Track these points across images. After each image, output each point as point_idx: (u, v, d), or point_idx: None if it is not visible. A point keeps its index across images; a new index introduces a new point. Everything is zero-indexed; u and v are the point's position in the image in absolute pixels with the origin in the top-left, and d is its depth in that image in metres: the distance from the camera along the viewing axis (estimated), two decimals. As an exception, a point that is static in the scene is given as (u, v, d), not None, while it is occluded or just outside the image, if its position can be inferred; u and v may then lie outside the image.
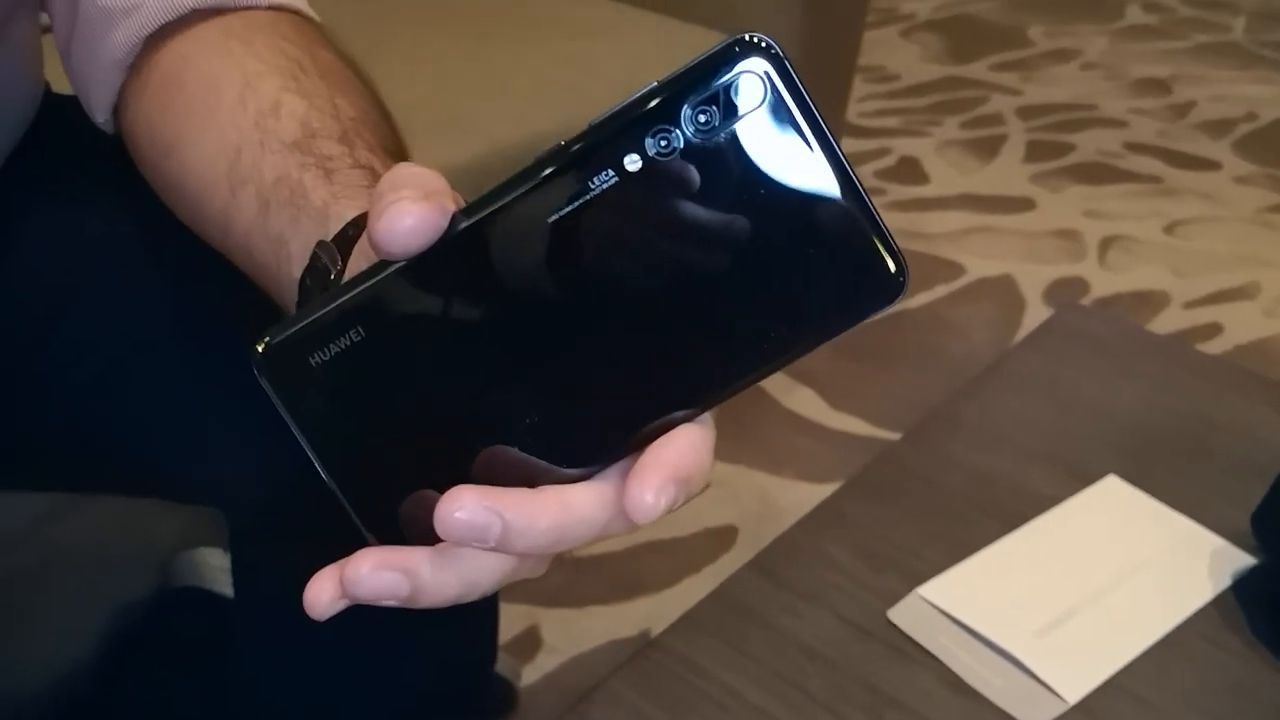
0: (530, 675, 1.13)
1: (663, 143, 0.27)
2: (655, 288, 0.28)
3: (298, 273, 0.38)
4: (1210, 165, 2.27)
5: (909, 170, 2.13)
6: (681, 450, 0.28)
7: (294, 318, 0.29)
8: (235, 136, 0.44)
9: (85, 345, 0.58)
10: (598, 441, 0.29)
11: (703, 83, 0.27)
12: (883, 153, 2.17)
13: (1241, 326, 1.75)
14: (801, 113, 0.27)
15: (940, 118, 2.37)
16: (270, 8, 0.52)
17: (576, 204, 0.27)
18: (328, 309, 0.29)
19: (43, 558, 0.85)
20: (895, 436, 1.45)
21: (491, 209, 0.28)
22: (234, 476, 0.56)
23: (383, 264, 0.29)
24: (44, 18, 0.59)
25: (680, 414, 0.29)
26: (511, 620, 1.15)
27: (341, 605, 0.30)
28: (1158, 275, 1.88)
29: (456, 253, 0.28)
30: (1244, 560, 0.64)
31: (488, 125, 1.12)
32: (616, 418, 0.29)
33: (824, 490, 1.29)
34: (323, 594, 0.30)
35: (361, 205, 0.39)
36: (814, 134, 0.27)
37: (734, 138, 0.27)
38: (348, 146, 0.42)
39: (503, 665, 0.95)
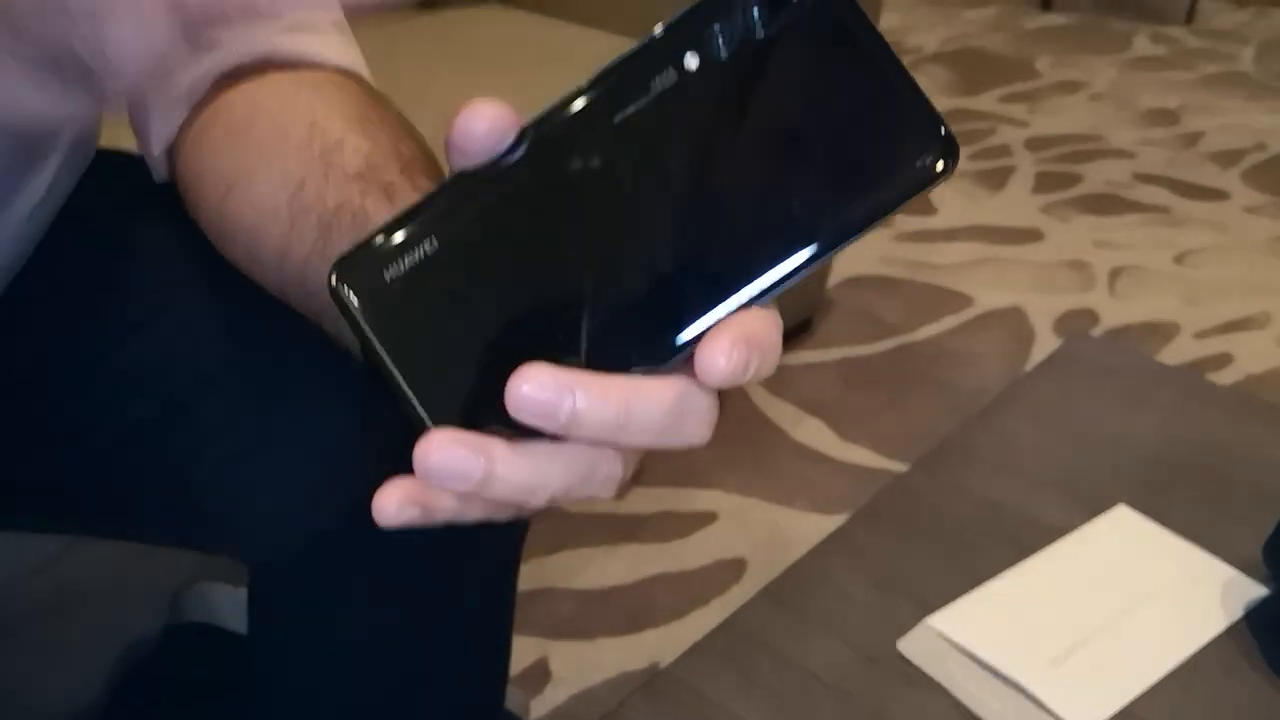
0: (539, 708, 1.13)
1: (720, 41, 0.29)
2: (721, 179, 0.29)
3: None
4: (1219, 195, 2.27)
5: (918, 201, 2.13)
6: (750, 319, 0.29)
7: (367, 238, 0.30)
8: (299, 169, 0.45)
9: (118, 393, 0.58)
10: (666, 338, 0.29)
11: None
12: (891, 184, 2.18)
13: (1253, 356, 1.75)
14: (844, 5, 0.29)
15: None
16: (337, 69, 0.53)
17: (640, 103, 0.29)
18: (400, 223, 0.30)
19: (55, 593, 0.85)
20: (904, 467, 1.45)
21: (558, 116, 0.29)
22: (262, 527, 0.56)
23: (452, 180, 0.30)
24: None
25: (747, 304, 0.29)
26: (521, 652, 1.15)
27: (410, 514, 0.29)
28: (1168, 305, 1.87)
29: (526, 158, 0.29)
30: (1256, 590, 0.63)
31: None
32: (684, 313, 0.29)
33: (834, 521, 1.28)
34: (390, 501, 0.29)
35: None
36: (856, 23, 0.29)
37: (782, 32, 0.29)
38: (408, 176, 0.43)
39: (511, 698, 0.95)
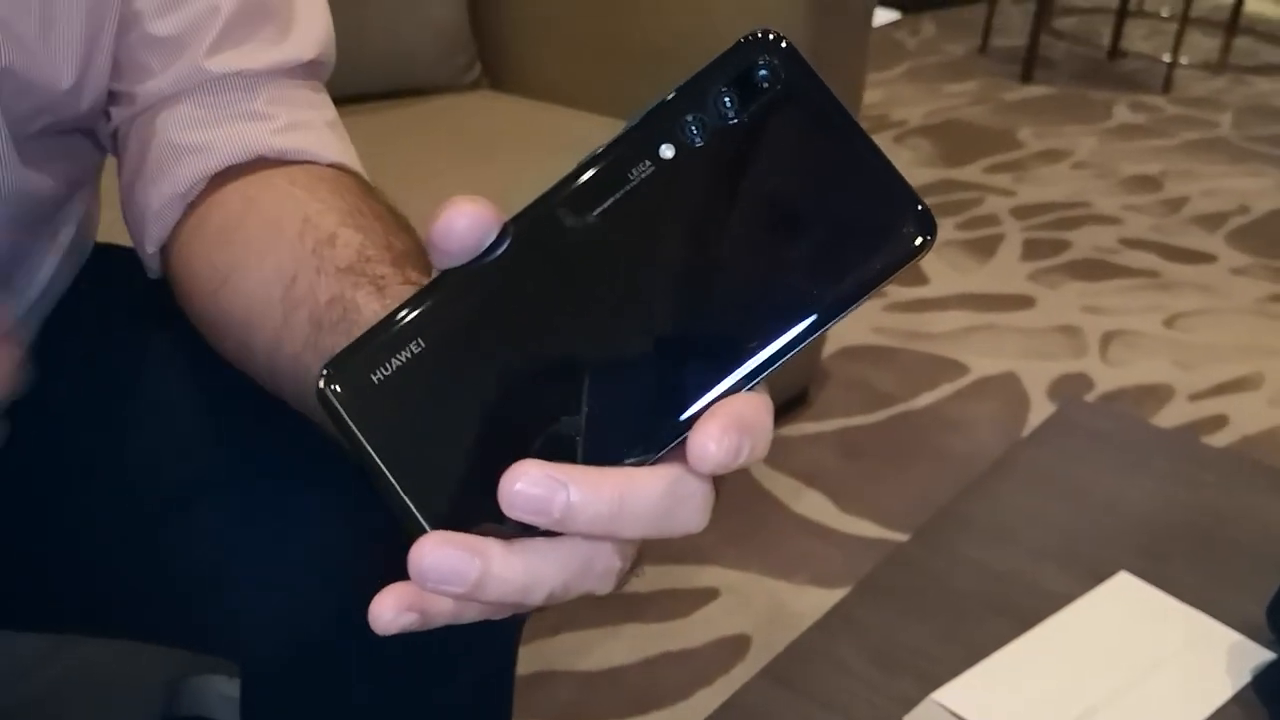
0: (544, 795, 1.11)
1: (693, 130, 0.29)
2: (701, 266, 0.30)
3: None
4: (1206, 258, 2.29)
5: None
6: (740, 403, 0.29)
7: (354, 342, 0.30)
8: (292, 265, 0.45)
9: (113, 497, 0.58)
10: (658, 427, 0.29)
11: (722, 73, 0.30)
12: (881, 255, 2.20)
13: (1248, 417, 1.75)
14: (815, 91, 0.30)
15: (937, 219, 2.40)
16: (330, 165, 0.54)
17: (618, 195, 0.29)
18: (386, 327, 0.30)
19: (51, 686, 0.84)
20: (905, 537, 1.44)
21: (538, 211, 0.30)
22: (254, 628, 0.56)
23: (436, 280, 0.30)
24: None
25: (734, 387, 0.30)
26: (524, 738, 1.13)
27: (406, 620, 0.29)
28: (1161, 369, 1.88)
29: (509, 255, 0.30)
30: (1262, 655, 0.63)
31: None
32: (673, 404, 0.29)
33: (836, 595, 1.27)
34: (386, 608, 0.29)
35: None
36: (827, 107, 0.30)
37: (756, 118, 0.30)
38: (399, 269, 0.43)
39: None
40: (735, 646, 1.28)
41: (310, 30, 0.56)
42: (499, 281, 0.30)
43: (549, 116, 1.47)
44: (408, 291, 0.42)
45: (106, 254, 0.67)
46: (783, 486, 1.53)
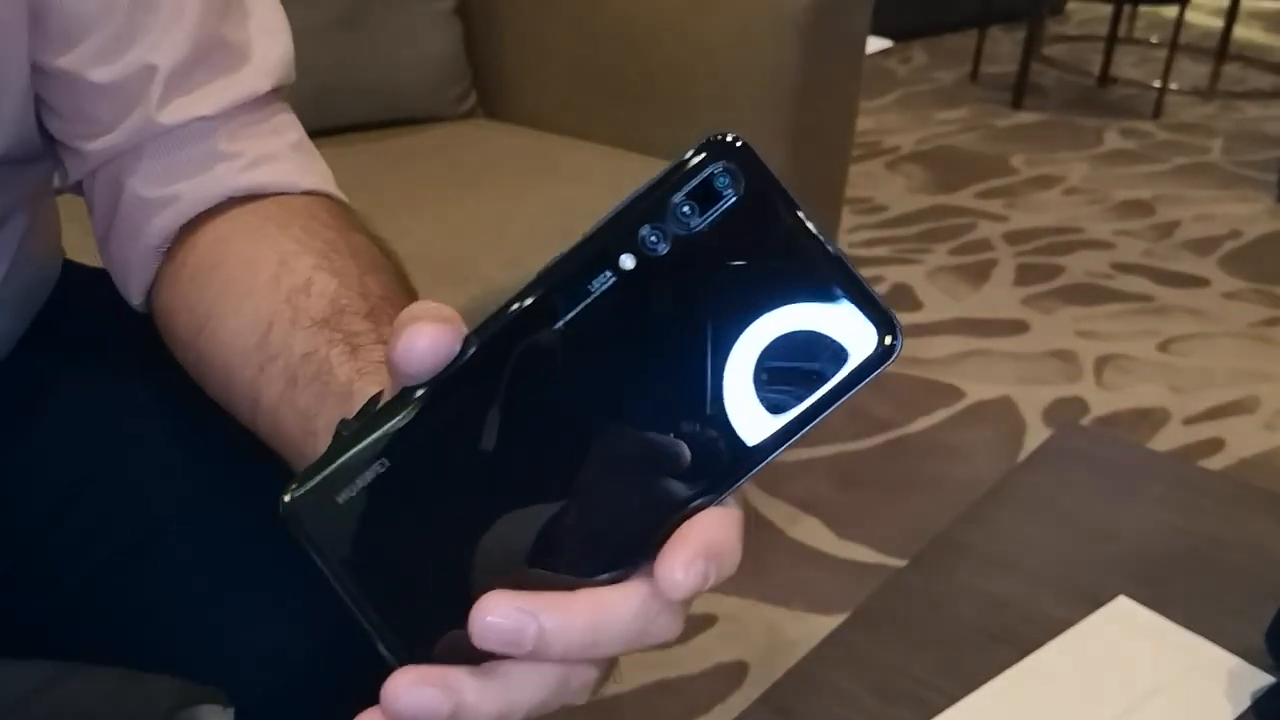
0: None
1: (653, 239, 0.29)
2: (664, 378, 0.29)
3: (322, 449, 0.38)
4: (1199, 282, 2.30)
5: (902, 297, 2.17)
6: (707, 526, 0.28)
7: (318, 461, 0.30)
8: (267, 312, 0.45)
9: (100, 524, 0.57)
10: (626, 544, 0.29)
11: (682, 180, 0.29)
12: (875, 281, 2.21)
13: (1243, 441, 1.75)
14: (775, 195, 0.29)
15: (930, 245, 2.41)
16: (304, 193, 0.53)
17: (580, 308, 0.29)
18: (350, 446, 0.29)
19: (44, 719, 0.83)
20: (902, 563, 1.44)
21: (500, 325, 0.29)
22: (242, 659, 0.56)
23: (399, 397, 0.30)
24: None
25: (703, 501, 0.29)
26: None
27: None
28: (1155, 393, 1.88)
29: (471, 372, 0.29)
30: (1261, 679, 0.63)
31: (484, 270, 1.14)
32: (642, 517, 0.29)
33: (834, 621, 1.27)
34: None
35: (383, 381, 0.40)
36: (788, 213, 0.29)
37: (718, 225, 0.29)
38: (373, 323, 0.43)
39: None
40: (732, 674, 1.27)
41: (266, 58, 0.55)
42: (461, 399, 0.29)
43: (544, 145, 1.47)
44: (379, 353, 0.42)
45: (84, 276, 0.67)
46: (779, 512, 1.53)
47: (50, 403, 0.61)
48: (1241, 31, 4.16)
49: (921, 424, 1.76)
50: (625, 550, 0.29)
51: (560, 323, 0.29)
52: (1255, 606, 0.65)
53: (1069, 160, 3.00)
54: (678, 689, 1.25)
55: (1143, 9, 4.09)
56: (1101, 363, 1.97)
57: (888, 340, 0.29)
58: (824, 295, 0.29)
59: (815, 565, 1.45)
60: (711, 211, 0.29)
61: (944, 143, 3.10)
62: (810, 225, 0.29)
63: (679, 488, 0.29)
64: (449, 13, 1.50)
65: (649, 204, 0.29)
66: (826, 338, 0.29)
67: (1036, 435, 1.74)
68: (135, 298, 0.55)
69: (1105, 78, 3.68)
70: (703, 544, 0.28)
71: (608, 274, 0.29)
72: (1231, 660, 0.64)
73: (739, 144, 0.29)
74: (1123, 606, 0.69)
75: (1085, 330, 2.08)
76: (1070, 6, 4.68)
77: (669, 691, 1.24)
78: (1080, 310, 2.16)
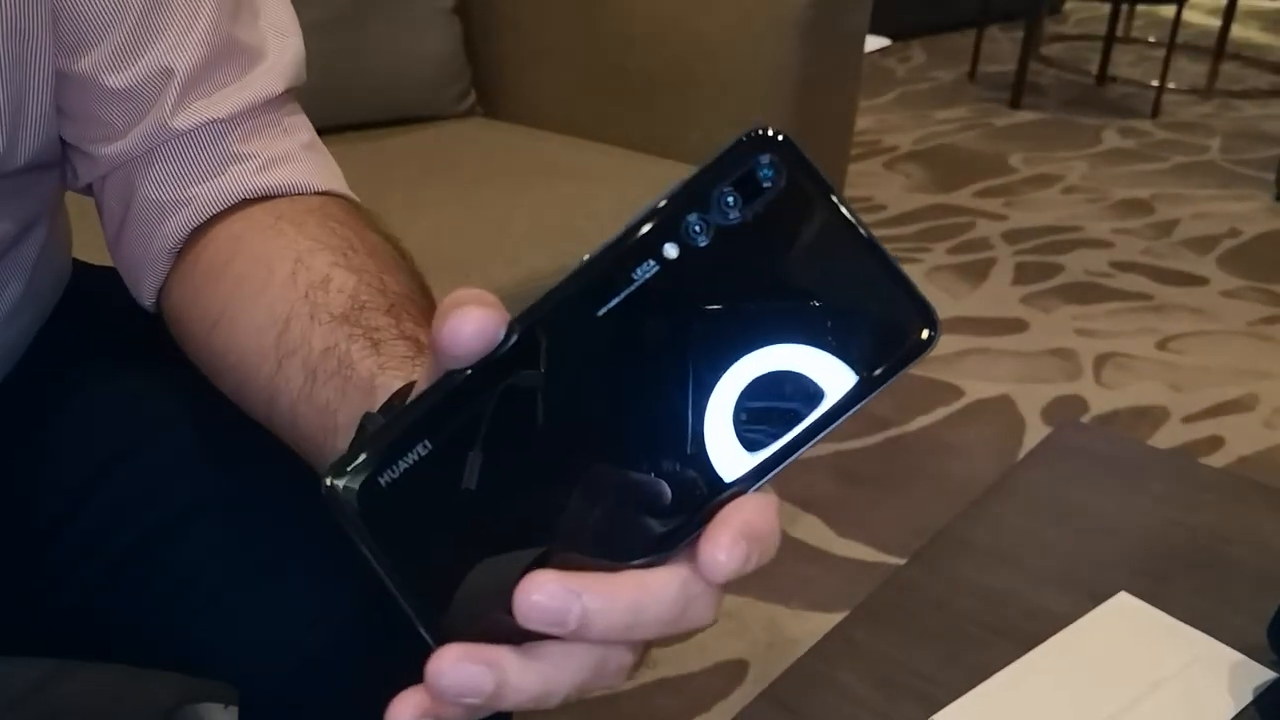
0: (542, 824, 1.10)
1: (696, 229, 0.29)
2: (706, 366, 0.29)
3: (343, 444, 0.38)
4: (1198, 281, 2.31)
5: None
6: (749, 510, 0.29)
7: (361, 442, 0.30)
8: (284, 308, 0.45)
9: (113, 518, 0.57)
10: (669, 527, 0.29)
11: (726, 172, 0.29)
12: (874, 280, 2.21)
13: (1243, 438, 1.76)
14: (816, 187, 0.30)
15: (929, 244, 2.41)
16: (317, 193, 0.53)
17: (623, 295, 0.29)
18: (393, 429, 0.30)
19: (45, 717, 0.83)
20: (902, 561, 1.44)
21: (545, 311, 0.30)
22: (253, 654, 0.56)
23: (443, 380, 0.30)
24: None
25: (742, 486, 0.29)
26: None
27: None
28: (1155, 391, 1.89)
29: (514, 357, 0.30)
30: (1263, 675, 0.63)
31: (486, 267, 1.14)
32: (681, 500, 0.29)
33: (833, 619, 1.27)
34: (404, 713, 0.29)
35: (406, 376, 0.40)
36: (829, 204, 0.30)
37: (760, 217, 0.29)
38: (394, 319, 0.43)
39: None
40: (733, 671, 1.27)
41: (279, 59, 0.55)
42: (505, 383, 0.30)
43: (543, 144, 1.47)
44: (402, 348, 0.42)
45: (93, 275, 0.67)
46: (779, 510, 1.53)
47: (64, 400, 0.61)
48: (1239, 30, 4.16)
49: (921, 422, 1.77)
50: (667, 537, 0.29)
51: (604, 309, 0.29)
52: (1256, 602, 0.65)
53: (1067, 159, 3.00)
54: (678, 686, 1.25)
55: (1140, 8, 4.09)
56: (1101, 361, 1.97)
57: (926, 333, 0.29)
58: (866, 285, 0.29)
59: (815, 563, 1.45)
60: (754, 202, 0.29)
61: (943, 142, 3.10)
62: (850, 216, 0.29)
63: (720, 474, 0.29)
64: (448, 11, 1.50)
65: (692, 194, 0.29)
66: (866, 328, 0.30)
67: (1036, 433, 1.74)
68: (147, 298, 0.55)
69: (1103, 77, 3.68)
70: (744, 526, 0.28)
71: (651, 262, 0.29)
72: (1233, 655, 0.64)
73: (781, 137, 0.30)
74: (1124, 602, 0.69)
75: (1084, 329, 2.08)
76: (1068, 6, 4.68)
77: (669, 689, 1.25)
78: (1079, 309, 2.16)
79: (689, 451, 0.29)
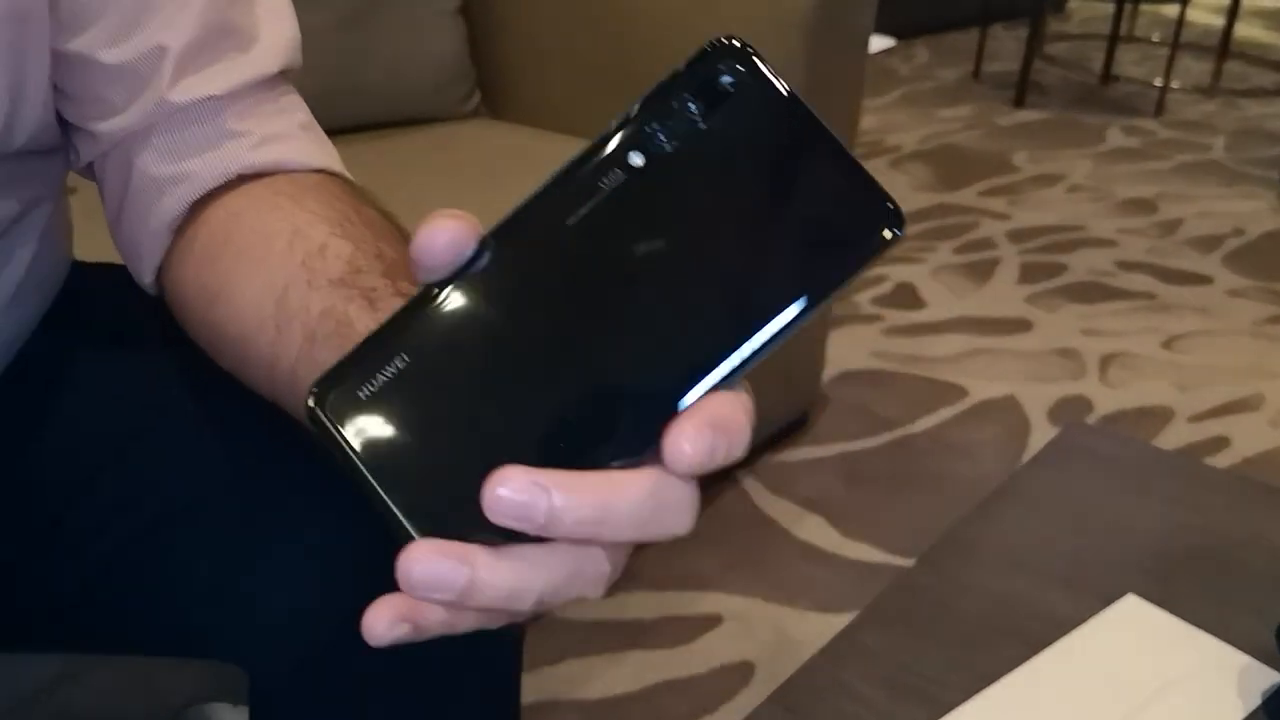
0: (548, 826, 1.10)
1: (661, 137, 0.30)
2: (675, 269, 0.30)
3: None
4: (1203, 280, 2.30)
5: (906, 296, 2.17)
6: (716, 403, 0.29)
7: (341, 360, 0.31)
8: (283, 277, 0.45)
9: (119, 502, 0.58)
10: (639, 430, 0.30)
11: (688, 80, 0.31)
12: (879, 280, 2.21)
13: (1249, 439, 1.75)
14: (779, 92, 0.30)
15: (933, 243, 2.41)
16: (313, 171, 0.54)
17: (592, 203, 0.30)
18: (372, 341, 0.31)
19: (54, 719, 0.84)
20: (908, 562, 1.44)
21: (516, 222, 0.31)
22: (261, 636, 0.56)
23: (419, 293, 0.31)
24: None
25: (714, 384, 0.30)
26: (527, 768, 1.12)
27: (399, 632, 0.30)
28: (1160, 390, 1.88)
29: (489, 266, 0.31)
30: (1271, 677, 0.63)
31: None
32: (654, 402, 0.30)
33: (840, 620, 1.27)
34: (380, 620, 0.29)
35: None
36: (792, 108, 0.30)
37: (724, 123, 0.30)
38: (390, 280, 0.43)
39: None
40: (739, 674, 1.27)
41: (274, 41, 0.56)
42: (480, 293, 0.30)
43: (548, 145, 1.47)
44: (399, 303, 0.42)
45: (94, 272, 0.67)
46: (784, 512, 1.53)
47: (65, 388, 0.61)
48: (1243, 29, 4.15)
49: (926, 423, 1.76)
50: (637, 439, 0.30)
51: (573, 218, 0.30)
52: (1265, 604, 0.65)
53: (1071, 158, 3.00)
54: (684, 689, 1.25)
55: (1144, 7, 4.09)
56: (1106, 361, 1.97)
57: (891, 228, 0.30)
58: (828, 185, 0.30)
59: (820, 564, 1.45)
60: (717, 109, 0.30)
61: (947, 141, 3.10)
62: (814, 118, 0.30)
63: (688, 375, 0.30)
64: (453, 12, 1.50)
65: (656, 104, 0.30)
66: (830, 227, 0.30)
67: (1041, 433, 1.74)
68: (146, 276, 0.55)
69: (1107, 76, 3.68)
70: (709, 418, 0.28)
71: (618, 171, 0.30)
72: (1241, 658, 0.64)
73: (741, 45, 0.31)
74: (1132, 604, 0.69)
75: (1089, 328, 2.08)
76: (1072, 5, 4.68)
77: (675, 691, 1.25)
78: (1084, 308, 2.16)
79: (660, 354, 0.30)
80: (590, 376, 0.30)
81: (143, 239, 0.54)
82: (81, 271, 0.68)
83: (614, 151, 0.30)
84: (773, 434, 1.66)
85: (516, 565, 0.29)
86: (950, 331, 2.04)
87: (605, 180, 0.30)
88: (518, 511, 0.28)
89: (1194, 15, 3.73)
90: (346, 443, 0.30)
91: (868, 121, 3.15)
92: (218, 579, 0.56)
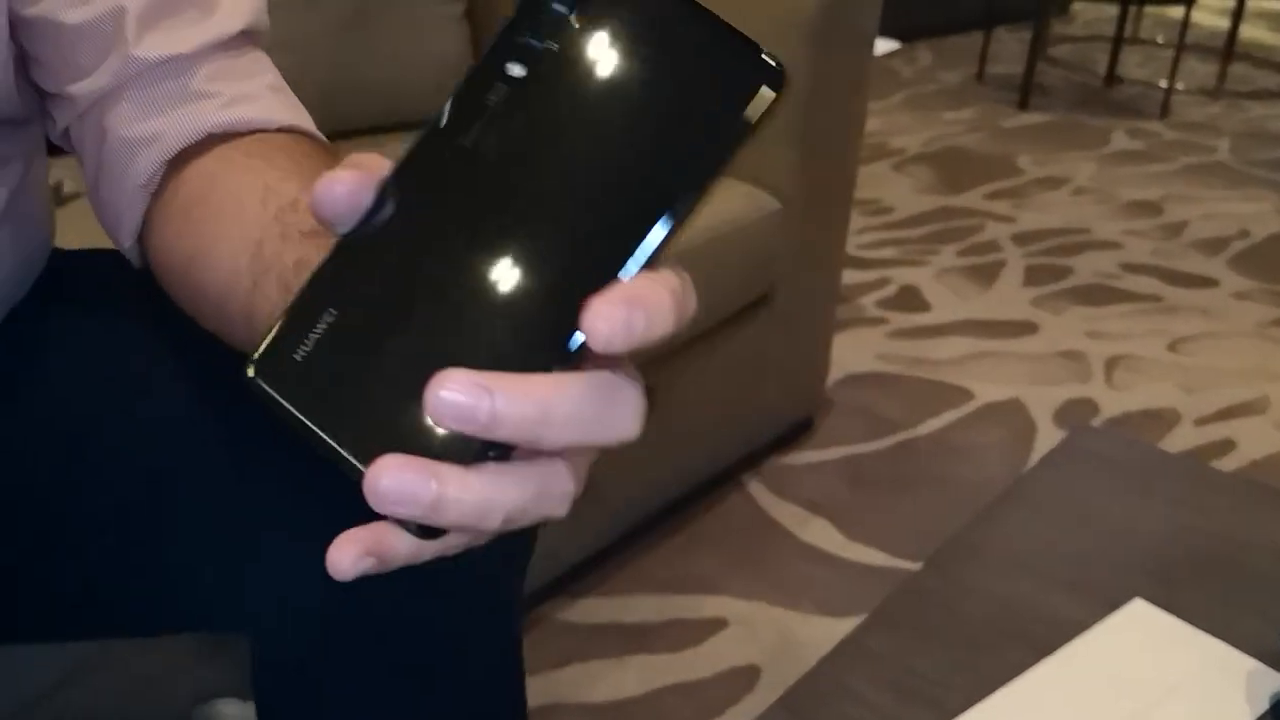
0: (553, 830, 1.10)
1: (534, 43, 0.31)
2: (574, 167, 0.31)
3: None
4: (1208, 282, 2.30)
5: (910, 299, 2.16)
6: (630, 284, 0.29)
7: (271, 329, 0.31)
8: (257, 232, 0.46)
9: (106, 482, 0.58)
10: (565, 331, 0.30)
11: None
12: (883, 283, 2.21)
13: (1254, 441, 1.75)
14: None
15: (937, 246, 2.41)
16: (281, 129, 0.55)
17: (482, 122, 0.31)
18: (298, 304, 0.31)
19: (57, 722, 0.84)
20: (913, 565, 1.44)
21: (412, 157, 0.31)
22: (264, 603, 0.56)
23: (333, 249, 0.31)
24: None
25: (634, 270, 0.30)
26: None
27: (365, 565, 0.30)
28: (1166, 393, 1.88)
29: (395, 205, 0.31)
30: (1278, 681, 0.63)
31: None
32: (576, 299, 0.30)
33: (845, 624, 1.26)
34: (345, 555, 0.30)
35: None
36: None
37: (592, 13, 0.31)
38: None
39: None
40: (745, 677, 1.27)
41: (236, 4, 0.57)
42: (391, 232, 0.31)
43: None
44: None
45: (75, 255, 0.68)
46: (789, 515, 1.53)
47: (41, 369, 0.61)
48: (1248, 31, 4.15)
49: (931, 425, 1.76)
50: (567, 340, 0.30)
51: (469, 140, 0.31)
52: (1273, 608, 0.65)
53: (1076, 160, 2.99)
54: (690, 692, 1.25)
55: (1148, 9, 4.09)
56: (1111, 363, 1.97)
57: (773, 87, 0.30)
58: (703, 56, 0.31)
59: (825, 567, 1.44)
60: (584, 4, 0.31)
61: (950, 143, 3.09)
62: None
63: (603, 268, 0.30)
64: (458, 16, 1.50)
65: (524, 13, 0.31)
66: (714, 95, 0.31)
67: (1047, 436, 1.73)
68: (126, 240, 0.56)
69: (1111, 78, 3.67)
70: (623, 294, 0.29)
71: (500, 85, 0.31)
72: (1249, 662, 0.64)
73: None
74: (1138, 609, 0.68)
75: (1095, 331, 2.08)
76: (1075, 7, 4.67)
77: (681, 695, 1.24)
78: (1089, 310, 2.16)
79: (575, 252, 0.30)
80: (511, 288, 0.30)
81: (119, 202, 0.55)
82: (65, 255, 0.68)
83: (494, 68, 0.31)
84: (777, 437, 1.66)
85: (483, 480, 0.29)
86: (955, 334, 2.04)
87: (491, 97, 0.31)
88: (461, 413, 0.28)
89: (1199, 17, 3.73)
90: (290, 405, 0.31)
91: (871, 124, 3.15)
92: (216, 546, 0.56)
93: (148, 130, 0.54)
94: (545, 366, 0.30)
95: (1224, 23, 3.94)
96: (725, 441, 1.55)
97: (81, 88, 0.55)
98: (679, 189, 0.30)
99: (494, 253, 0.30)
